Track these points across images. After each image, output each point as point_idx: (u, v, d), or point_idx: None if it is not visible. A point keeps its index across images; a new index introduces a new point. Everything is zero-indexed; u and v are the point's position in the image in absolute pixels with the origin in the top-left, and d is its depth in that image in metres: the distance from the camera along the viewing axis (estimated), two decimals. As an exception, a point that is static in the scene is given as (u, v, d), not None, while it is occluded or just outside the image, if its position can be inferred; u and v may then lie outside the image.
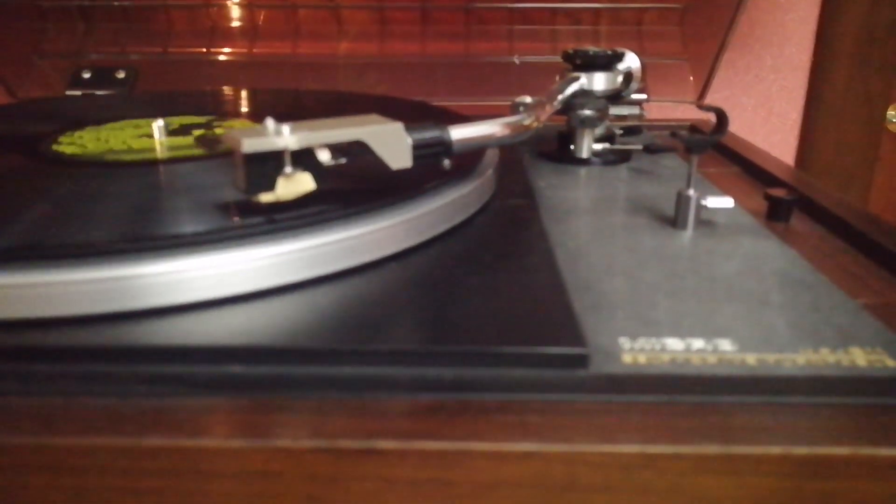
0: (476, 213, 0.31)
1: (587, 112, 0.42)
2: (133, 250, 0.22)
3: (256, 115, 0.42)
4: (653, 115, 0.58)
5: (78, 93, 0.54)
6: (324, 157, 0.24)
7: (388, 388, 0.20)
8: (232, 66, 0.62)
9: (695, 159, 0.32)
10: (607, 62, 0.43)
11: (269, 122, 0.24)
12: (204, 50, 0.61)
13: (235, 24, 0.62)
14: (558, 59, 0.45)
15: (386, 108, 0.46)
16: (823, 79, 0.70)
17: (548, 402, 0.19)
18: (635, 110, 0.55)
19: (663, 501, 0.18)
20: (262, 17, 0.62)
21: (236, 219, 0.24)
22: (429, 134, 0.27)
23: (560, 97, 0.39)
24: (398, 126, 0.25)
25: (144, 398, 0.20)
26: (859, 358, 0.21)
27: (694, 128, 0.56)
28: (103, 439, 0.18)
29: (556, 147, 0.45)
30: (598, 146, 0.43)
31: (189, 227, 0.24)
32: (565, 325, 0.22)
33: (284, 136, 0.23)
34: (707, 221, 0.33)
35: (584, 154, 0.43)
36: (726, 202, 0.32)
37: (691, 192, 0.32)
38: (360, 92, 0.52)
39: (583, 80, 0.42)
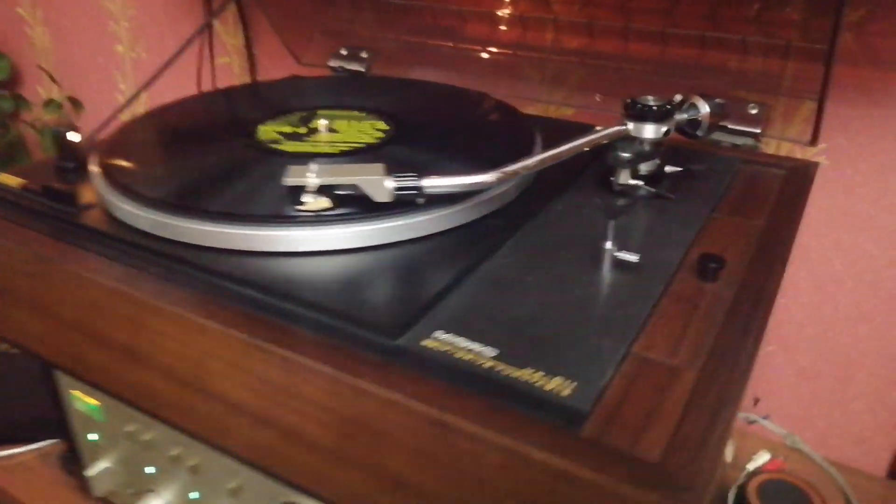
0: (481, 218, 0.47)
1: (621, 154, 0.52)
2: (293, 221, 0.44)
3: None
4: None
5: (336, 64, 0.78)
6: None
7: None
8: (467, 60, 0.79)
9: (612, 223, 0.43)
10: (660, 115, 0.52)
11: (313, 165, 0.44)
12: (451, 44, 0.79)
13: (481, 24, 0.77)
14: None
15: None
16: None
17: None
18: (749, 141, 0.63)
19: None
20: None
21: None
22: (408, 182, 0.43)
23: (567, 147, 0.49)
24: (381, 178, 0.43)
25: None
26: (548, 385, 0.35)
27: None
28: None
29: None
30: (633, 182, 0.54)
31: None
32: (397, 314, 0.38)
33: (312, 178, 0.43)
34: (628, 264, 0.44)
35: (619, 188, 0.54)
36: (633, 257, 0.43)
37: (609, 245, 0.44)
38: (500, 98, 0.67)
39: (625, 128, 0.52)
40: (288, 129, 0.59)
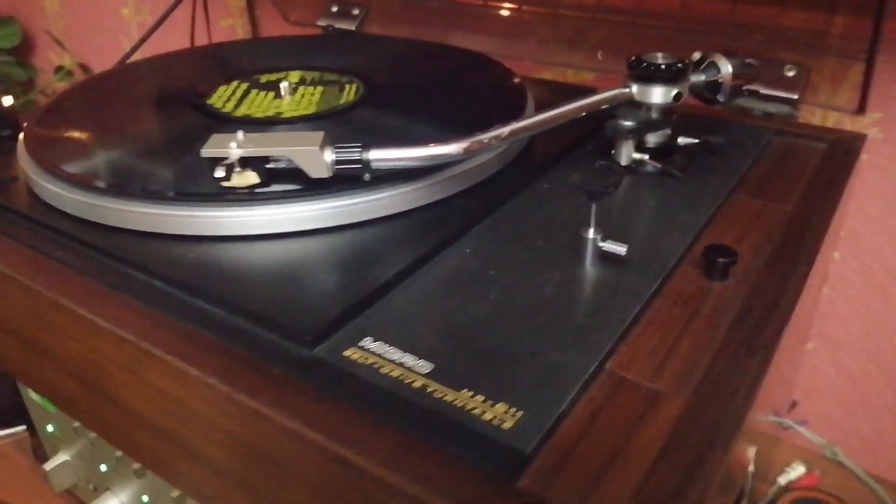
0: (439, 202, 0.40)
1: (622, 123, 0.44)
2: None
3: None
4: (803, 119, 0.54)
5: (326, 22, 0.70)
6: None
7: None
8: (469, 18, 0.71)
9: (594, 207, 0.35)
10: (670, 76, 0.44)
11: (240, 134, 0.37)
12: None
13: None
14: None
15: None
16: None
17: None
18: (784, 108, 0.53)
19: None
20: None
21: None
22: (350, 156, 0.36)
23: (553, 113, 0.41)
24: (316, 149, 0.36)
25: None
26: (487, 413, 0.27)
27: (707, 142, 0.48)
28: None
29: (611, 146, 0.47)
30: (637, 155, 0.45)
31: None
32: (320, 316, 0.31)
33: (233, 149, 0.36)
34: (615, 257, 0.36)
35: (623, 162, 0.45)
36: (620, 249, 0.35)
37: (591, 233, 0.36)
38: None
39: (627, 91, 0.44)
40: (244, 94, 0.52)
